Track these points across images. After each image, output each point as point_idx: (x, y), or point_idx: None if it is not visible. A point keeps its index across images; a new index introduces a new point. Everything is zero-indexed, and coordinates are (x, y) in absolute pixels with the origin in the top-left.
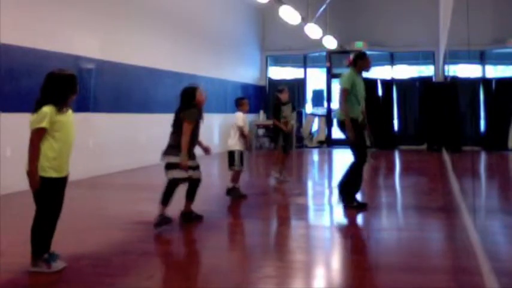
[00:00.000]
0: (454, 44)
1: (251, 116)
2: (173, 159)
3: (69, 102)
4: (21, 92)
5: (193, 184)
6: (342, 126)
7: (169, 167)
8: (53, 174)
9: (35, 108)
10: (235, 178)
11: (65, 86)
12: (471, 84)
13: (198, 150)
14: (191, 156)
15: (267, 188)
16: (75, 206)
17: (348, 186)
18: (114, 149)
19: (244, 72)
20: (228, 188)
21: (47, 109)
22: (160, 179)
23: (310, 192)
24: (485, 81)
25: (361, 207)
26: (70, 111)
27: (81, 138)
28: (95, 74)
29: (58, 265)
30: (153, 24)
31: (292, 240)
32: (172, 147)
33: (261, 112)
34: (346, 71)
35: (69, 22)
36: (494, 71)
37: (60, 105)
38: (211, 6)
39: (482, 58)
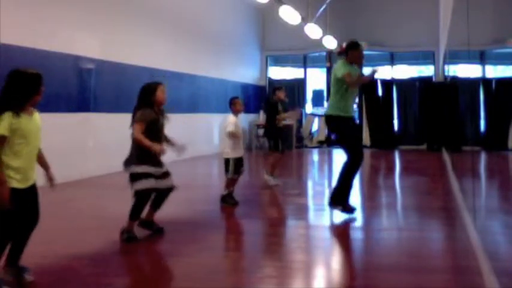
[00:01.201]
0: (454, 44)
1: (251, 116)
2: (136, 168)
3: (32, 103)
4: None
5: (162, 194)
6: (330, 122)
7: (133, 178)
8: (15, 184)
9: None
10: (229, 185)
11: (27, 85)
12: (471, 84)
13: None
14: (157, 163)
15: (267, 188)
16: (75, 206)
17: (342, 188)
18: (114, 149)
19: (244, 72)
20: (222, 195)
21: (6, 115)
22: None
23: (310, 192)
24: (485, 81)
25: (349, 211)
26: (37, 115)
27: (81, 138)
28: (95, 74)
29: None
30: (153, 24)
31: (292, 240)
32: (133, 156)
33: (261, 112)
34: (340, 61)
35: (69, 22)
36: (494, 71)
37: (21, 107)
38: (211, 6)
39: (482, 58)
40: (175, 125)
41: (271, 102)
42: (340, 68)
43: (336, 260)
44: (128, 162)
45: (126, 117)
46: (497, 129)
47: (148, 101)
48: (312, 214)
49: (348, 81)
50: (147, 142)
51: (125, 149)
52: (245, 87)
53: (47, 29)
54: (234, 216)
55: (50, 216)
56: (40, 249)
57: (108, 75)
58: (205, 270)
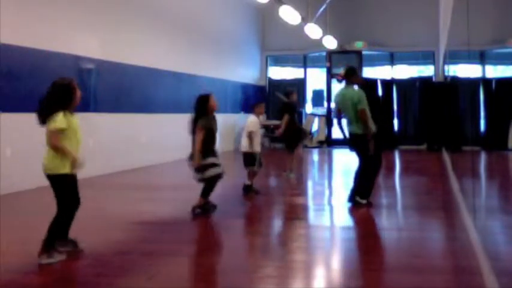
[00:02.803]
0: (454, 44)
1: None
2: (205, 161)
3: (74, 106)
4: (21, 92)
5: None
6: (358, 139)
7: (202, 168)
8: (67, 171)
9: (43, 116)
10: (251, 176)
11: (68, 93)
12: (471, 84)
13: None
14: (214, 153)
15: (267, 188)
16: None
17: (366, 184)
18: (114, 149)
19: (244, 72)
20: (245, 185)
21: (62, 113)
22: (160, 179)
23: (310, 192)
24: (485, 81)
25: (369, 205)
26: (75, 116)
27: (81, 138)
28: (95, 74)
29: (62, 256)
30: (153, 24)
31: (292, 240)
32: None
33: None
34: (357, 90)
35: (69, 22)
36: (494, 71)
37: (68, 110)
38: (211, 6)
39: (482, 58)
40: (175, 125)
41: (291, 104)
42: (361, 98)
43: (336, 260)
44: (192, 157)
45: (126, 117)
46: (497, 129)
47: (205, 109)
48: (312, 214)
49: (364, 116)
50: (199, 150)
51: (125, 149)
52: (245, 87)
53: (47, 29)
54: (234, 216)
55: (50, 216)
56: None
57: (108, 75)
58: (206, 270)
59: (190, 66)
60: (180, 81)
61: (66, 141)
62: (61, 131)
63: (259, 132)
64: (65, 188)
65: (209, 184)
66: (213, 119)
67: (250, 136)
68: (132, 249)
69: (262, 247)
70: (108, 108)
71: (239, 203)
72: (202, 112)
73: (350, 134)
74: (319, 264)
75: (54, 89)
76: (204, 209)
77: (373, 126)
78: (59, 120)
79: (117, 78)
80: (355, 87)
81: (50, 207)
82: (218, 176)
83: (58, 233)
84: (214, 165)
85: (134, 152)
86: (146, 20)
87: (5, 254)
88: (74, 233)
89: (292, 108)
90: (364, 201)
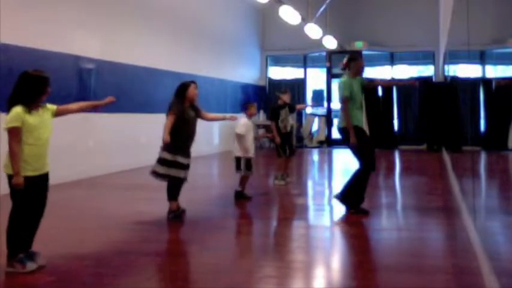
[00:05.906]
0: (454, 44)
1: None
2: (168, 156)
3: (39, 102)
4: None
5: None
6: (342, 133)
7: (164, 163)
8: (27, 172)
9: (7, 108)
10: (242, 182)
11: (35, 86)
12: (471, 84)
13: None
14: (185, 154)
15: (268, 188)
16: (75, 206)
17: (353, 192)
18: (114, 149)
19: (244, 72)
20: (236, 191)
21: (18, 109)
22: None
23: (310, 192)
24: (485, 81)
25: (363, 212)
26: (42, 111)
27: (81, 138)
28: (94, 74)
29: (33, 265)
30: (153, 24)
31: (292, 240)
32: (169, 145)
33: (261, 112)
34: (342, 78)
35: (69, 22)
36: (494, 71)
37: (30, 106)
38: (211, 6)
39: (482, 58)
40: None
41: (274, 107)
42: (343, 86)
43: (336, 260)
44: (164, 148)
45: (126, 117)
46: (497, 129)
47: (181, 97)
48: (312, 214)
49: (343, 102)
50: (165, 132)
51: (124, 149)
52: (245, 87)
53: (47, 29)
54: (234, 216)
55: (50, 216)
56: (40, 249)
57: (108, 75)
58: (205, 270)
59: (190, 66)
60: (180, 81)
61: (20, 141)
62: (15, 130)
63: (250, 136)
64: (18, 191)
65: (171, 183)
66: (195, 109)
67: (238, 139)
68: (132, 249)
69: (262, 247)
70: (108, 108)
71: (238, 203)
72: (179, 100)
73: (338, 129)
74: (318, 264)
75: (21, 79)
76: (176, 215)
77: (355, 119)
78: (11, 117)
79: (117, 78)
80: (347, 75)
81: (48, 207)
82: (179, 180)
83: (16, 237)
84: (178, 165)
85: (134, 152)
86: (146, 20)
87: (5, 254)
88: (73, 232)
89: (276, 112)
90: (348, 208)
